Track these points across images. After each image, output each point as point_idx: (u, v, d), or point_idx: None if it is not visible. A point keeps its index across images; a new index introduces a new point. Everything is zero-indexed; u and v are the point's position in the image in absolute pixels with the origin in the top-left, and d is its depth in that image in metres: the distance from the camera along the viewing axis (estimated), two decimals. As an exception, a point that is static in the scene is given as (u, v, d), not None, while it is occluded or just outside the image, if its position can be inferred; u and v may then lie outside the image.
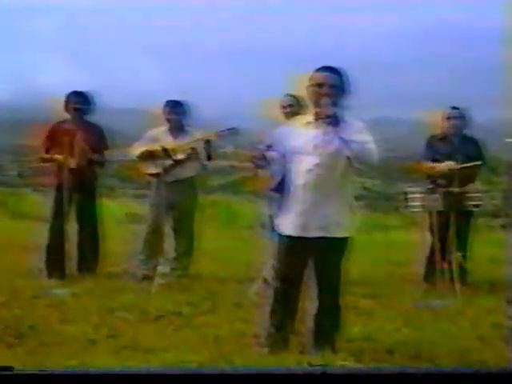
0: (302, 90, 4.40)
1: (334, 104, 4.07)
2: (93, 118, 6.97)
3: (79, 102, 6.80)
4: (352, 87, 4.22)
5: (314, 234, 4.17)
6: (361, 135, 4.02)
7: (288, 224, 4.22)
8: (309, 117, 4.24)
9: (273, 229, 4.37)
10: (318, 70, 4.21)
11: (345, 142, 3.97)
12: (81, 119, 6.83)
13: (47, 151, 6.83)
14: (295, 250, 4.22)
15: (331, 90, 4.11)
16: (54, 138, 6.79)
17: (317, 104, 4.12)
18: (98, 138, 6.90)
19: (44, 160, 6.90)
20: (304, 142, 4.16)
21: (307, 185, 4.14)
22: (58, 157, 6.68)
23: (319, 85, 4.13)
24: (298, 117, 4.65)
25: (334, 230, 4.17)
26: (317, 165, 4.11)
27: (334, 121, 3.99)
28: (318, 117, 4.11)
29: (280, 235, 4.28)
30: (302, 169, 4.14)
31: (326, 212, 4.15)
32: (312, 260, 4.25)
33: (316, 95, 4.13)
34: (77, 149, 6.59)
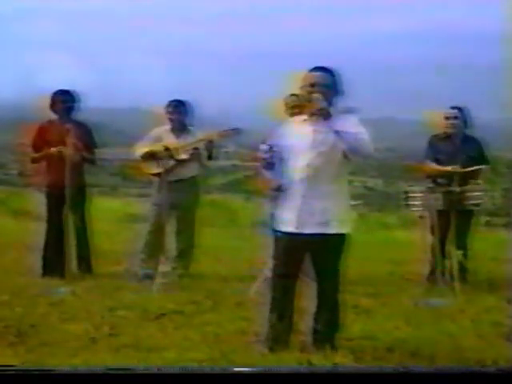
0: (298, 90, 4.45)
1: (327, 103, 4.13)
2: (83, 117, 6.91)
3: (66, 100, 6.75)
4: (345, 87, 4.29)
5: (313, 230, 4.20)
6: (354, 127, 4.07)
7: (286, 220, 4.26)
8: (305, 115, 4.31)
9: (272, 226, 4.39)
10: (311, 70, 4.29)
11: (338, 133, 4.04)
12: (68, 117, 6.75)
13: (37, 151, 6.75)
14: (293, 247, 4.26)
15: (324, 89, 4.17)
16: (43, 137, 6.73)
17: (309, 101, 4.18)
18: (87, 136, 6.85)
19: (35, 160, 6.83)
20: (301, 138, 4.24)
21: (305, 181, 4.19)
22: (53, 150, 6.58)
23: (312, 84, 4.20)
24: (296, 116, 4.69)
25: (333, 225, 4.20)
26: (313, 160, 4.18)
27: (324, 113, 4.07)
28: (311, 113, 4.19)
29: (278, 232, 4.31)
30: (300, 165, 4.21)
31: (323, 208, 4.19)
32: (310, 257, 4.29)
33: (309, 94, 4.19)
34: (69, 145, 6.53)
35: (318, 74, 4.24)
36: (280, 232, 4.31)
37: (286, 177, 4.26)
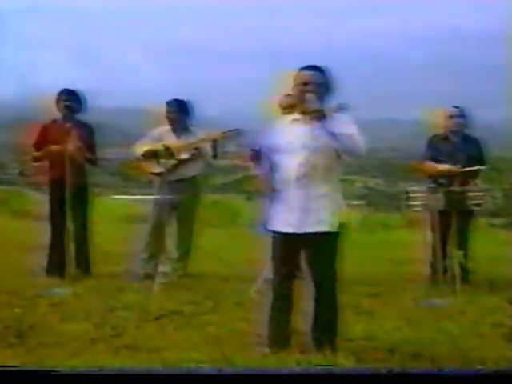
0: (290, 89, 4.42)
1: (320, 101, 4.11)
2: (84, 117, 6.89)
3: (70, 100, 6.74)
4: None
5: (307, 229, 4.18)
6: (348, 128, 4.04)
7: (281, 221, 4.24)
8: (295, 114, 4.30)
9: (267, 227, 4.37)
10: (303, 69, 4.26)
11: (333, 135, 4.01)
12: (72, 117, 6.74)
13: (39, 150, 6.73)
14: (290, 247, 4.25)
15: (316, 87, 4.16)
16: (46, 137, 6.71)
17: (302, 101, 4.16)
18: (89, 137, 6.83)
19: (36, 158, 6.81)
20: (292, 139, 4.21)
21: (298, 180, 4.17)
22: (53, 147, 6.57)
23: (304, 83, 4.18)
24: (285, 115, 4.65)
25: (325, 225, 4.18)
26: (306, 160, 4.16)
27: (319, 115, 4.04)
28: (304, 113, 4.18)
29: (274, 232, 4.30)
30: (293, 165, 4.18)
31: (317, 207, 4.18)
32: (305, 256, 4.27)
33: (301, 93, 4.17)
34: (71, 146, 6.50)
35: (310, 72, 4.21)
36: (276, 233, 4.29)
37: (279, 177, 4.24)
